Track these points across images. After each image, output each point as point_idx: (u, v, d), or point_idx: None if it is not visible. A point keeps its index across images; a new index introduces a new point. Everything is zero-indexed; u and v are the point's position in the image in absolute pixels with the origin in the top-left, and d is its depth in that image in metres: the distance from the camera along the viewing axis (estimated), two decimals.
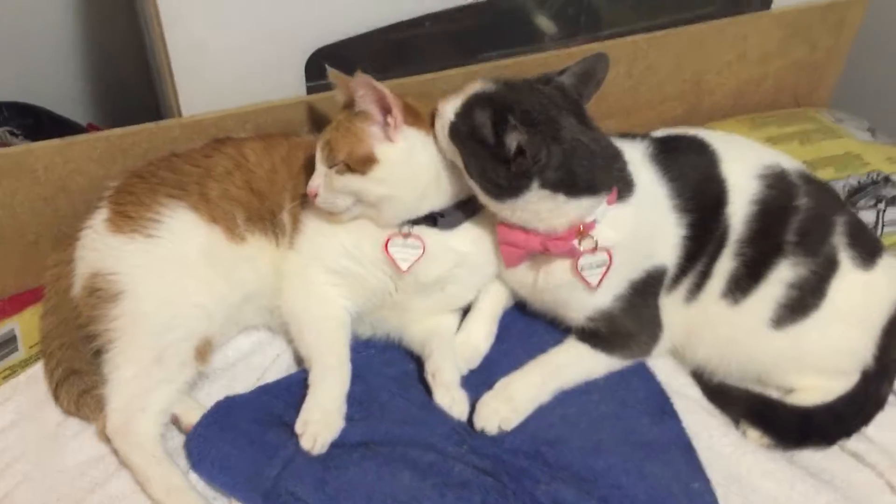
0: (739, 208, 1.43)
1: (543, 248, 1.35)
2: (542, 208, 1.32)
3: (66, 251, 1.51)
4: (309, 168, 1.48)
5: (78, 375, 1.42)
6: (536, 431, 1.37)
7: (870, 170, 1.88)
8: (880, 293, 1.46)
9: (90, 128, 2.28)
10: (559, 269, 1.39)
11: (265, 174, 1.52)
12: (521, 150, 1.25)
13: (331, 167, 1.40)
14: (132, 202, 1.47)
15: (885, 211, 1.79)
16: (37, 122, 2.15)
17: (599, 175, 1.32)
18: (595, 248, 1.34)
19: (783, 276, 1.41)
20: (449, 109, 1.35)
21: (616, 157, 1.37)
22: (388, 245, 1.42)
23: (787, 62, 2.10)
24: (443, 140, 1.37)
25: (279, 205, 1.50)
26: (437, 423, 1.36)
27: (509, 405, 1.38)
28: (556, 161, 1.28)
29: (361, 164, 1.38)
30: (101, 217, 1.48)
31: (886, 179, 1.86)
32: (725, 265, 1.43)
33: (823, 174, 1.83)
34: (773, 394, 1.49)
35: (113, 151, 1.60)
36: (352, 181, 1.38)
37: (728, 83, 2.09)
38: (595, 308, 1.42)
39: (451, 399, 1.38)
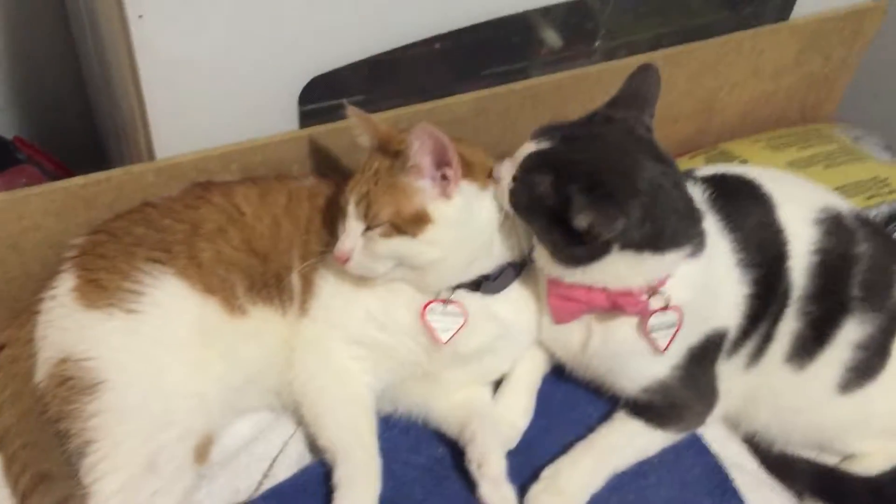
0: (800, 260, 1.29)
1: (611, 305, 1.19)
2: (621, 269, 1.16)
3: (24, 328, 1.25)
4: (321, 221, 1.29)
5: (50, 482, 1.17)
6: None
7: None
8: None
9: (17, 141, 2.01)
10: (621, 331, 1.22)
11: (266, 230, 1.30)
12: (592, 227, 1.09)
13: (370, 227, 1.19)
14: (105, 268, 1.24)
15: None
16: None
17: (683, 225, 1.17)
18: (667, 307, 1.19)
19: (850, 336, 1.29)
20: (505, 174, 1.19)
21: (694, 204, 1.21)
22: (426, 312, 1.23)
23: (799, 75, 1.97)
24: (506, 206, 1.21)
25: (286, 266, 1.29)
26: None
27: (561, 498, 1.21)
28: (637, 217, 1.11)
29: (412, 224, 1.18)
30: (66, 286, 1.24)
31: None
32: (789, 326, 1.29)
33: (854, 203, 1.70)
34: (831, 460, 1.38)
35: (74, 203, 1.34)
36: (401, 245, 1.18)
37: (740, 100, 1.94)
38: (653, 378, 1.25)
39: (500, 497, 1.19)
